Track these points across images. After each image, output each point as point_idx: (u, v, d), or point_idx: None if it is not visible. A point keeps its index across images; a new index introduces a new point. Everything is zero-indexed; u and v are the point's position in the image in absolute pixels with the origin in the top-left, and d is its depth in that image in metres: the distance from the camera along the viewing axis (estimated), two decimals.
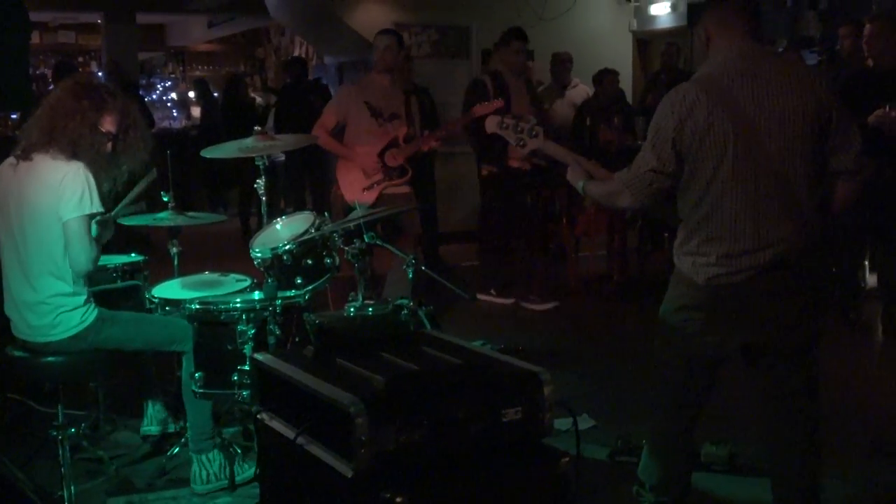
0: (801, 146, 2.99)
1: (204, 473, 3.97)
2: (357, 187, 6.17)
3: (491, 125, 3.58)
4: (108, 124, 3.78)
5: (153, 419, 4.52)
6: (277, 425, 2.87)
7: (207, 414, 4.03)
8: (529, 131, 3.51)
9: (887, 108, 5.62)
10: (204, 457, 3.99)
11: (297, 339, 3.87)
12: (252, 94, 12.10)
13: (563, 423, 3.22)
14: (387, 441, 2.44)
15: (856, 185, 3.14)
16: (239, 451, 4.14)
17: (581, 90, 9.32)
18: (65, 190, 3.60)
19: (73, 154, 3.66)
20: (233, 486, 3.97)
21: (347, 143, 6.24)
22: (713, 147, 2.97)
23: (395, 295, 5.53)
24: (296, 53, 12.95)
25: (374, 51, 6.37)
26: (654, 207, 3.27)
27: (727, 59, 3.06)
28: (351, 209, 5.75)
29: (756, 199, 2.98)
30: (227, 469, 3.98)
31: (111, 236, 3.97)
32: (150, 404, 4.55)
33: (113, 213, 3.90)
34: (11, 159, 3.78)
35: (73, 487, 3.79)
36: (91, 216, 3.65)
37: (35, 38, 14.04)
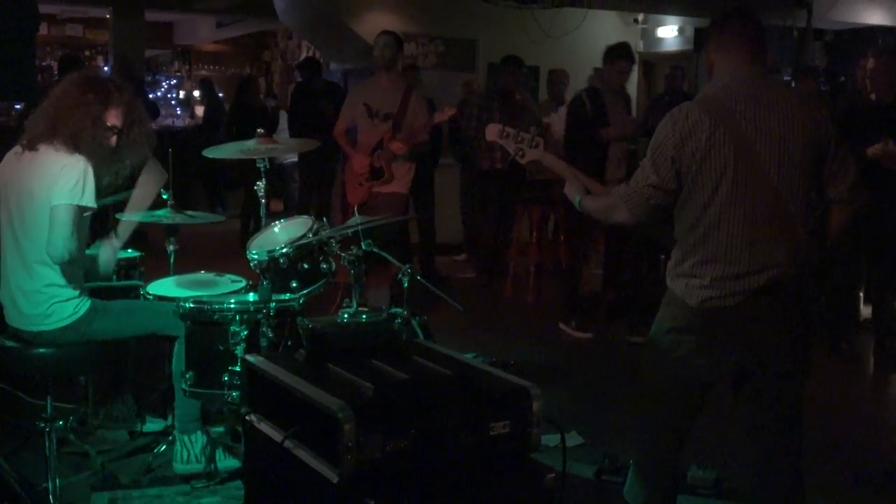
0: (798, 173, 3.00)
1: (185, 453, 3.99)
2: (352, 186, 6.52)
3: (491, 133, 3.59)
4: (112, 118, 3.79)
5: (115, 416, 4.57)
6: (265, 428, 2.87)
7: (196, 403, 4.05)
8: (530, 142, 3.52)
9: (888, 142, 5.65)
10: (187, 437, 4.01)
11: (289, 343, 3.86)
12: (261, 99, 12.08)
13: (551, 440, 3.23)
14: (374, 448, 2.44)
15: (849, 215, 3.15)
16: (224, 447, 4.14)
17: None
18: (61, 177, 3.61)
19: (76, 147, 3.68)
20: (212, 474, 3.97)
21: (358, 143, 6.57)
22: (713, 169, 2.97)
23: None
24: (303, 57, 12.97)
25: (374, 49, 6.69)
26: (651, 227, 3.28)
27: (730, 83, 3.07)
28: (350, 208, 5.85)
29: (752, 223, 2.98)
30: (209, 451, 4.00)
31: (110, 269, 4.02)
32: (121, 401, 4.58)
33: (124, 228, 3.92)
34: (17, 148, 3.80)
35: (57, 480, 3.78)
36: (81, 208, 3.64)
37: (43, 29, 14.02)
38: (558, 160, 3.55)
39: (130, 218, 4.06)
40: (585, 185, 3.39)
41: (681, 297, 3.11)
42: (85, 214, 3.70)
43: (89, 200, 3.65)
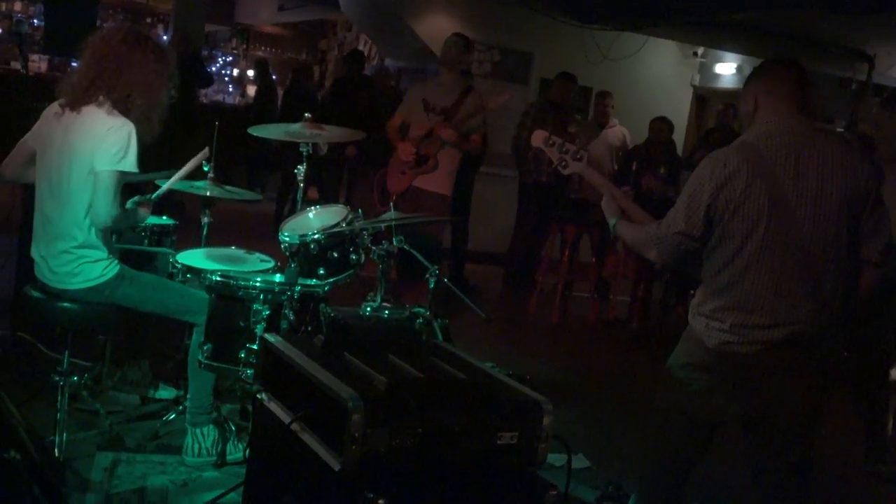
0: (832, 229, 2.96)
1: (196, 446, 3.98)
2: (394, 175, 6.63)
3: (537, 139, 3.58)
4: (165, 85, 3.80)
5: (129, 380, 4.60)
6: (275, 407, 2.88)
7: (209, 388, 4.04)
8: (574, 154, 3.51)
9: None
10: (199, 430, 4.00)
11: (309, 329, 3.87)
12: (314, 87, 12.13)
13: (557, 459, 3.21)
14: (379, 442, 2.44)
15: (877, 277, 3.10)
16: (234, 428, 4.15)
17: (618, 132, 9.31)
18: (105, 141, 3.61)
19: (125, 109, 3.68)
20: (222, 464, 3.98)
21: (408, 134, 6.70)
22: (746, 219, 2.95)
23: None
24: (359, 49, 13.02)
25: (443, 47, 6.84)
26: (684, 264, 3.25)
27: (772, 131, 3.02)
28: (390, 197, 5.89)
29: (779, 277, 2.95)
30: (220, 446, 4.00)
31: (145, 220, 4.02)
32: (137, 365, 4.61)
33: (155, 197, 3.93)
34: (56, 106, 3.76)
35: (65, 435, 3.81)
36: (123, 174, 3.65)
37: None
38: (600, 176, 3.54)
39: (167, 184, 4.08)
40: (624, 208, 3.37)
41: (699, 336, 3.10)
42: (134, 201, 3.72)
43: (131, 165, 3.65)
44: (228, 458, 4.02)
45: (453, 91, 6.67)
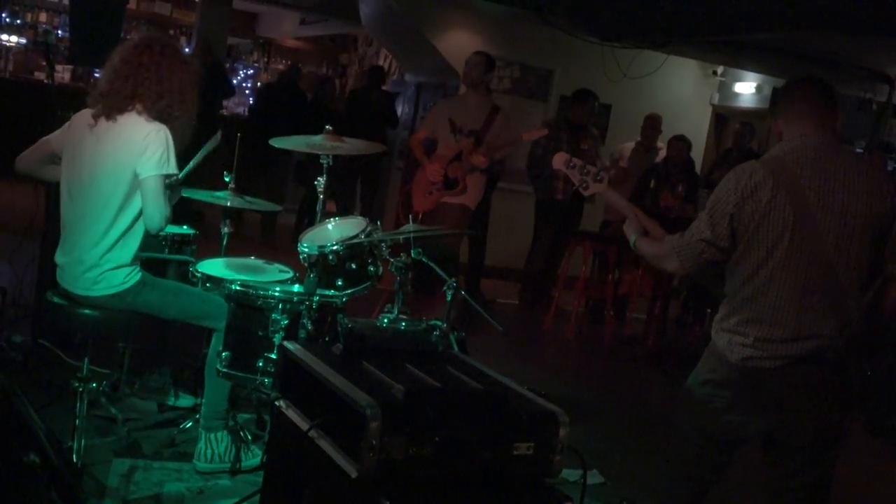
0: (857, 247, 2.97)
1: (209, 452, 4.00)
2: (420, 194, 6.68)
3: (558, 162, 3.60)
4: (196, 95, 3.86)
5: (150, 387, 4.63)
6: (293, 415, 2.90)
7: (225, 394, 4.07)
8: (595, 175, 3.54)
9: None
10: (212, 435, 4.02)
11: (327, 339, 3.89)
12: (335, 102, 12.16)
13: (571, 474, 3.21)
14: (396, 450, 2.45)
15: None
16: (249, 437, 4.17)
17: (664, 153, 9.30)
18: (146, 147, 3.66)
19: (159, 115, 3.73)
20: (234, 472, 4.00)
21: (434, 153, 6.75)
22: (770, 231, 2.95)
23: None
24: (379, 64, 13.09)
25: (465, 66, 6.89)
26: (703, 277, 3.26)
27: (799, 147, 3.04)
28: (417, 216, 5.93)
29: (803, 290, 2.96)
30: (233, 453, 4.02)
31: (178, 199, 4.05)
32: (157, 373, 4.64)
33: (181, 175, 3.96)
34: (89, 116, 3.79)
35: (83, 440, 3.84)
36: (167, 176, 3.72)
37: (132, 4, 14.34)
38: (620, 197, 3.56)
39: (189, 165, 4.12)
40: (645, 226, 3.38)
41: (722, 352, 3.09)
42: (168, 181, 3.76)
43: (174, 168, 3.73)
44: (242, 465, 4.03)
45: (480, 111, 6.74)
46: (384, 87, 10.85)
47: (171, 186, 3.84)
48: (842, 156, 3.04)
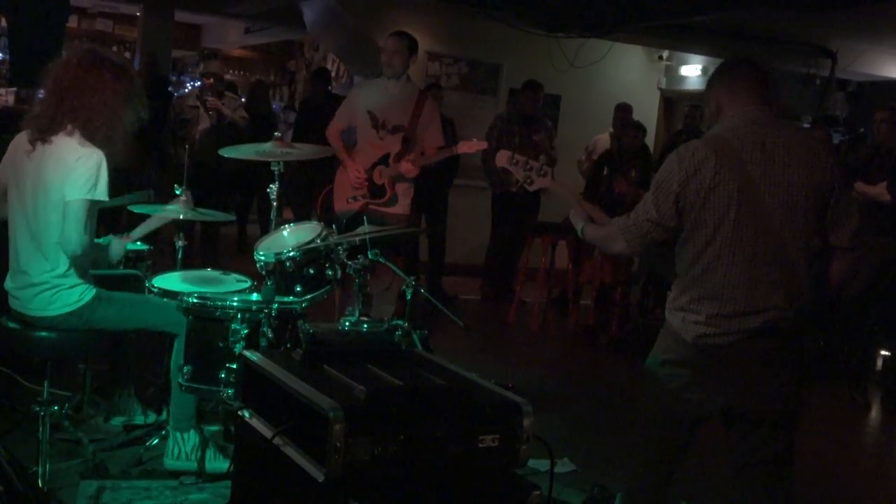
0: (802, 218, 3.01)
1: (177, 450, 4.00)
2: (342, 197, 5.98)
3: (501, 160, 3.62)
4: (129, 107, 3.77)
5: (119, 408, 4.57)
6: (257, 423, 2.88)
7: (191, 400, 4.06)
8: (539, 170, 3.56)
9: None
10: (180, 435, 4.02)
11: (288, 346, 3.88)
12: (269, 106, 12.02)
13: (542, 465, 3.23)
14: (362, 451, 2.45)
15: (850, 263, 3.15)
16: (216, 448, 4.14)
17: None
18: (75, 170, 3.60)
19: (90, 135, 3.65)
20: (201, 473, 3.98)
21: (355, 150, 6.03)
22: (716, 207, 2.98)
23: (382, 309, 5.53)
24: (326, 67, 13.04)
25: (383, 53, 5.87)
26: (654, 261, 3.29)
27: (739, 124, 3.08)
28: (334, 218, 5.73)
29: (752, 264, 2.99)
30: (199, 452, 4.00)
31: (116, 259, 4.06)
32: (119, 394, 4.59)
33: (138, 232, 3.95)
34: (25, 139, 3.72)
35: (48, 465, 3.79)
36: (94, 203, 3.64)
37: (73, 22, 14.17)
38: (566, 188, 3.60)
39: (145, 228, 4.09)
40: (590, 214, 3.41)
41: (677, 331, 3.12)
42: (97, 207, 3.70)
43: (102, 194, 3.64)
44: (208, 466, 4.01)
45: (405, 103, 5.88)
46: (333, 91, 10.80)
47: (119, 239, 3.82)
48: (782, 129, 3.08)
